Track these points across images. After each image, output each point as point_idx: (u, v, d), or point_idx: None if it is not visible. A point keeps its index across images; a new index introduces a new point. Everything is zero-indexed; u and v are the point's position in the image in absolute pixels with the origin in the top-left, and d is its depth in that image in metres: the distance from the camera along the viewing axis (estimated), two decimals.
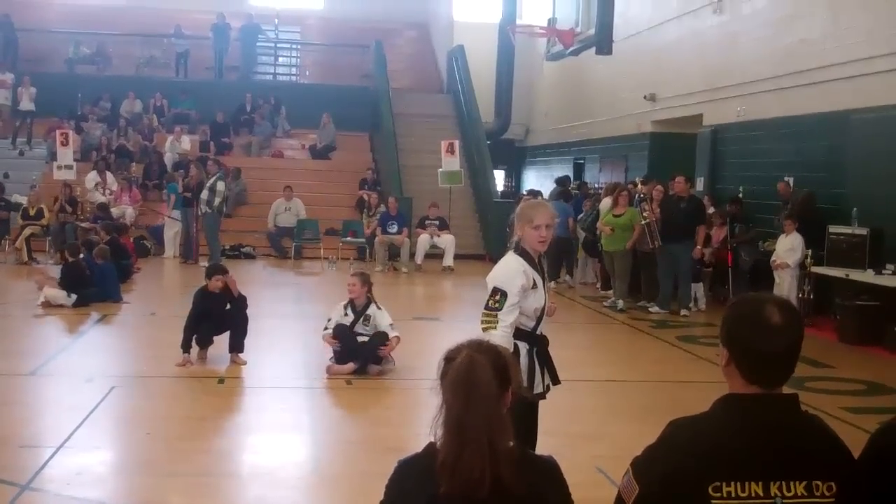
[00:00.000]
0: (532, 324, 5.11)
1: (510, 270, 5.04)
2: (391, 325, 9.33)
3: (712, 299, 14.87)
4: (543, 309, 5.14)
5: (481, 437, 2.45)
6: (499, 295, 4.95)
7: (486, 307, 4.97)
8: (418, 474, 2.56)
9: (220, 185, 18.68)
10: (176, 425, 7.42)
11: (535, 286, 5.03)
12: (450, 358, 2.58)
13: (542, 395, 5.24)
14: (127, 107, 25.10)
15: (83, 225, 18.58)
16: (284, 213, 20.77)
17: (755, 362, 2.36)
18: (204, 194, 18.37)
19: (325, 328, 9.36)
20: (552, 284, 16.92)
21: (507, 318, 4.90)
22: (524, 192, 20.79)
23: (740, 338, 2.39)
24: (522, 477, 2.49)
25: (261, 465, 6.59)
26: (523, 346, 5.06)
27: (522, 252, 5.09)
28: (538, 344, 5.17)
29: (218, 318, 9.49)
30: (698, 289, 14.74)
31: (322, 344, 9.56)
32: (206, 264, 16.91)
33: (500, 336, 4.80)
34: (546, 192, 21.51)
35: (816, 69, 14.36)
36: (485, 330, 4.89)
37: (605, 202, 15.72)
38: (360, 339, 9.21)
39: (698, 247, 14.04)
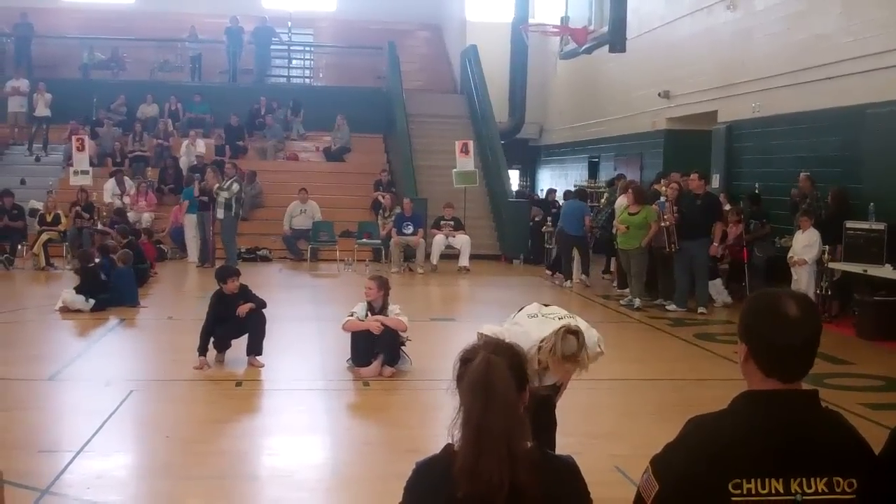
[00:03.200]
0: None
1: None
2: (398, 313, 9.41)
3: (728, 296, 14.82)
4: None
5: (500, 442, 2.43)
6: None
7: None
8: (436, 476, 2.55)
9: (235, 186, 18.72)
10: (194, 428, 7.44)
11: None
12: (466, 359, 2.57)
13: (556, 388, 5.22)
14: (144, 110, 25.19)
15: (99, 229, 18.66)
16: (300, 215, 20.79)
17: (773, 355, 2.35)
18: (221, 196, 18.39)
19: (349, 317, 9.40)
20: (567, 283, 16.95)
21: None
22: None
23: (758, 331, 2.38)
24: (540, 479, 2.48)
25: (279, 467, 6.59)
26: None
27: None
28: None
29: (235, 320, 9.50)
30: (716, 285, 14.71)
31: (339, 344, 9.58)
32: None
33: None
34: (561, 192, 21.56)
35: (831, 64, 14.31)
36: None
37: (621, 200, 15.69)
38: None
39: (715, 244, 14.01)
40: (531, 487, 2.44)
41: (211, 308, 9.60)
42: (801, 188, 14.31)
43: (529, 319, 5.16)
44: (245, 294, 9.69)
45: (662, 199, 14.69)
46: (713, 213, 14.09)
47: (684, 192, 14.44)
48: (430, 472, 2.60)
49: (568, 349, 4.95)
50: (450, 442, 2.56)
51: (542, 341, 4.93)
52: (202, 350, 9.39)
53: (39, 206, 19.46)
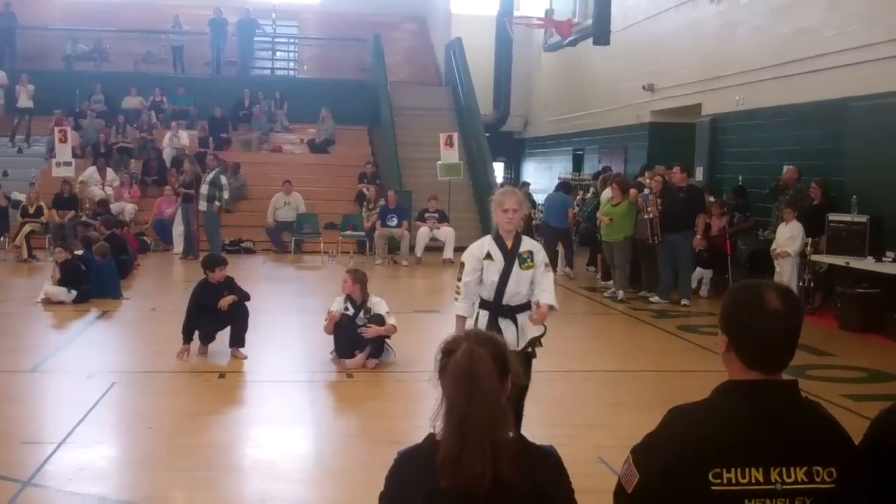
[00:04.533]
0: (492, 294, 6.03)
1: (472, 246, 6.26)
2: (388, 312, 9.41)
3: (712, 288, 14.90)
4: (503, 285, 5.99)
5: (483, 432, 2.43)
6: (461, 266, 6.17)
7: (456, 279, 6.21)
8: (418, 466, 2.55)
9: (223, 179, 18.70)
10: (177, 420, 7.42)
11: (489, 258, 6.03)
12: (448, 350, 2.56)
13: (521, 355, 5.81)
14: (129, 102, 25.06)
15: (83, 220, 18.59)
16: (284, 207, 20.75)
17: (754, 347, 2.36)
18: (203, 189, 18.40)
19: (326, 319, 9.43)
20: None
21: (466, 288, 6.07)
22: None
23: (739, 323, 2.38)
24: (522, 470, 2.48)
25: (262, 458, 6.58)
26: (484, 314, 6.05)
27: (496, 235, 6.10)
28: (501, 311, 6.02)
29: (217, 311, 9.47)
30: (706, 274, 14.83)
31: (322, 336, 9.57)
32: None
33: (458, 306, 6.11)
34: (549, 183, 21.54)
35: (815, 57, 14.35)
36: (455, 300, 6.16)
37: (607, 193, 15.71)
38: (360, 330, 9.25)
39: (698, 236, 14.05)
40: (513, 478, 2.44)
41: (193, 296, 9.58)
42: (786, 179, 14.34)
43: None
44: (230, 285, 9.68)
45: (646, 191, 14.73)
46: (696, 206, 14.13)
47: (667, 185, 14.47)
48: (412, 462, 2.60)
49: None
50: (432, 432, 2.56)
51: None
52: (187, 336, 9.38)
53: (22, 197, 19.36)
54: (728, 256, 14.65)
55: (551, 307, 6.03)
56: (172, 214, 19.73)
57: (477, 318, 6.06)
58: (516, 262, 5.99)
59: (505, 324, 5.97)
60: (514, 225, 6.01)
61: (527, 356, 6.01)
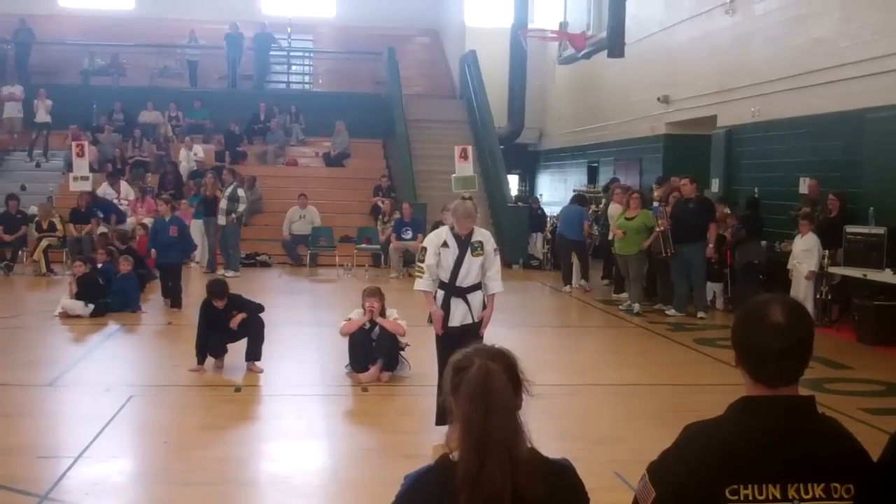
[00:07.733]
0: (448, 276, 7.19)
1: (432, 234, 7.61)
2: (396, 318, 9.51)
3: (728, 300, 14.81)
4: (458, 269, 7.15)
5: (502, 448, 2.41)
6: (423, 251, 7.30)
7: (417, 260, 7.44)
8: (431, 488, 2.50)
9: (241, 192, 18.76)
10: (193, 434, 7.44)
11: (446, 245, 7.19)
12: (460, 367, 2.53)
13: (471, 329, 7.11)
14: (145, 117, 25.18)
15: (101, 232, 18.64)
16: (299, 220, 20.80)
17: (756, 361, 2.36)
18: (222, 203, 18.48)
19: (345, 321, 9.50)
20: (567, 288, 16.97)
21: (429, 270, 7.17)
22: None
23: (743, 337, 2.39)
24: (538, 482, 2.46)
25: (278, 473, 6.59)
26: (441, 293, 7.24)
27: (451, 228, 7.25)
28: (454, 291, 7.21)
29: (225, 328, 9.47)
30: (717, 288, 14.75)
31: (338, 350, 9.58)
32: (223, 272, 17.05)
33: (422, 283, 7.25)
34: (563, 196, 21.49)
35: (830, 68, 14.31)
36: (417, 277, 7.34)
37: (614, 207, 15.70)
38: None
39: (710, 245, 13.95)
40: (532, 494, 2.42)
41: (201, 317, 9.58)
42: (811, 195, 14.18)
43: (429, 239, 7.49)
44: (236, 303, 9.64)
45: (656, 204, 14.69)
46: (706, 216, 14.04)
47: (677, 197, 14.44)
48: (422, 485, 2.53)
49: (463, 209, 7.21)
50: (445, 452, 2.53)
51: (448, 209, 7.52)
52: (200, 360, 9.42)
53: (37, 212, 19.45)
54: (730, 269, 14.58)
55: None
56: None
57: (435, 296, 7.24)
58: (469, 250, 7.17)
59: (456, 302, 7.22)
60: (464, 232, 7.19)
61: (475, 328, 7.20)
